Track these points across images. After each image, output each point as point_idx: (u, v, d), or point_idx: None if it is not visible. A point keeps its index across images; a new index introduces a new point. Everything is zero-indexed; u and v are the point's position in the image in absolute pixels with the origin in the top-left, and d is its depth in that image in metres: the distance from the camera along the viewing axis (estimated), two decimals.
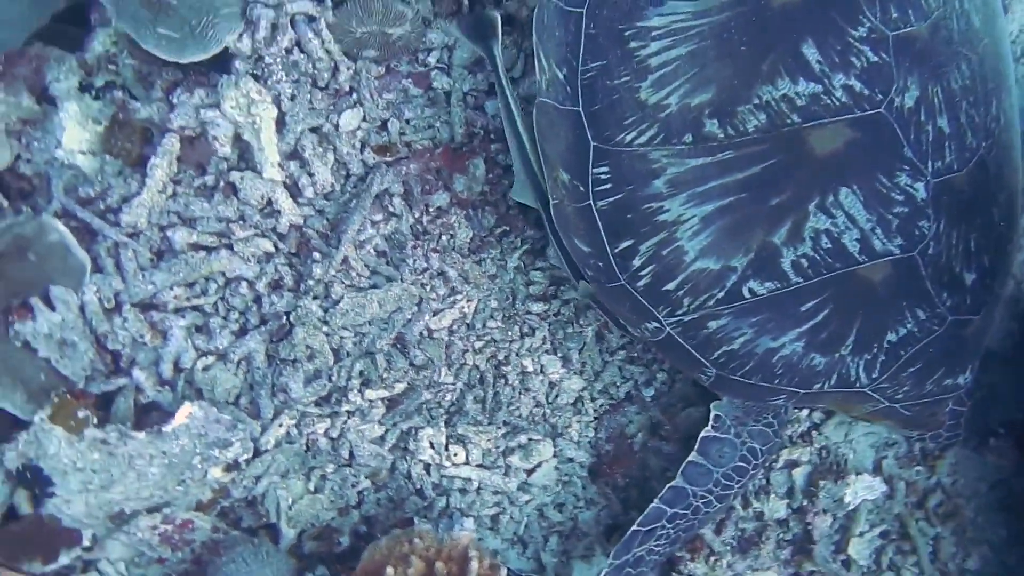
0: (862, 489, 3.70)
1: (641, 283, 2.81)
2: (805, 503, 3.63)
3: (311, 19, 3.02)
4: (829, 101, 2.62)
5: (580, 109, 2.71)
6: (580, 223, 2.82)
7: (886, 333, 2.86)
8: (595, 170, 2.73)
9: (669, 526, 3.17)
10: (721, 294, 2.78)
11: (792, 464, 3.67)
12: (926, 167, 2.71)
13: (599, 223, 2.77)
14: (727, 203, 2.68)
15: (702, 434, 3.20)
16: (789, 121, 2.62)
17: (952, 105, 2.75)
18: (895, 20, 2.64)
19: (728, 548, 3.56)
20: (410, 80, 3.24)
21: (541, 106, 2.82)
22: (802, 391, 2.97)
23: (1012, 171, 3.01)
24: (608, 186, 2.73)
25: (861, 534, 3.69)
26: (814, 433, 3.72)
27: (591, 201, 2.76)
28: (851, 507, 3.67)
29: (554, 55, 2.75)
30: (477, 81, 3.25)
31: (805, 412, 3.72)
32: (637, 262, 2.78)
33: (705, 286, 2.77)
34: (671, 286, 2.79)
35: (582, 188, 2.76)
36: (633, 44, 2.64)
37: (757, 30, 2.60)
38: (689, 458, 3.18)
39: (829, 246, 2.69)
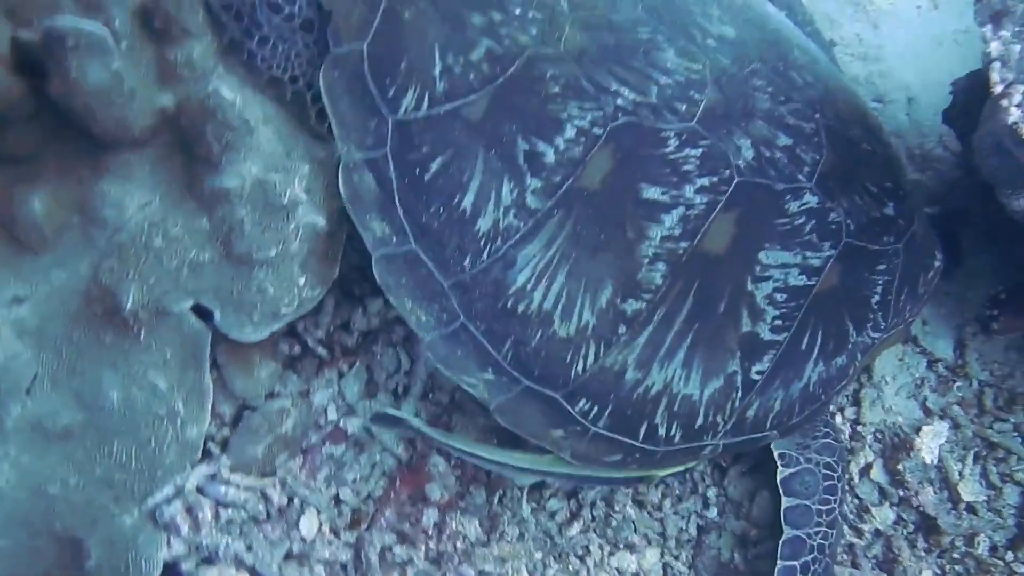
0: (931, 440, 3.71)
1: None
2: (901, 492, 3.62)
3: (213, 476, 2.92)
4: (703, 208, 2.71)
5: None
6: None
7: (865, 291, 3.09)
8: None
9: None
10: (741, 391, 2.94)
11: (866, 469, 3.67)
12: (801, 181, 2.86)
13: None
14: None
15: (779, 478, 3.27)
16: (683, 248, 2.72)
17: (776, 118, 2.88)
18: (689, 110, 2.74)
19: None
20: (328, 443, 3.16)
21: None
22: (839, 385, 3.14)
23: (848, 103, 3.20)
24: None
25: (961, 476, 3.69)
26: (859, 428, 3.73)
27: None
28: (935, 462, 3.68)
29: None
30: (380, 402, 3.20)
31: (839, 418, 3.73)
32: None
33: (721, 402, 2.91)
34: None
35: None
36: None
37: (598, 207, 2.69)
38: (783, 507, 3.25)
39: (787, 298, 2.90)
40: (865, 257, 3.05)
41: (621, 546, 3.44)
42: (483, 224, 2.65)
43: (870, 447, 3.71)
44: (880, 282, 3.11)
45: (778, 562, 3.20)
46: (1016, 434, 3.84)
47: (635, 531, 3.45)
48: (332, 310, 3.12)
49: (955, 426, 3.79)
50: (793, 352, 2.97)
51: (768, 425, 3.05)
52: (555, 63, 2.67)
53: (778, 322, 2.89)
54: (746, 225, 2.79)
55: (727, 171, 2.75)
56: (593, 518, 3.42)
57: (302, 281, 2.71)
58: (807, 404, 3.09)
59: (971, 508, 3.67)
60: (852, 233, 2.98)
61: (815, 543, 3.22)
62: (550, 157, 2.64)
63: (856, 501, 3.64)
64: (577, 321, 2.70)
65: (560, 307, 2.69)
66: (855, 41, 4.67)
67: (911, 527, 3.62)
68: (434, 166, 2.64)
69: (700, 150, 2.72)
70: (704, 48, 2.85)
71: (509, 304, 2.68)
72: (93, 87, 2.34)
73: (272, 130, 2.68)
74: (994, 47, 2.46)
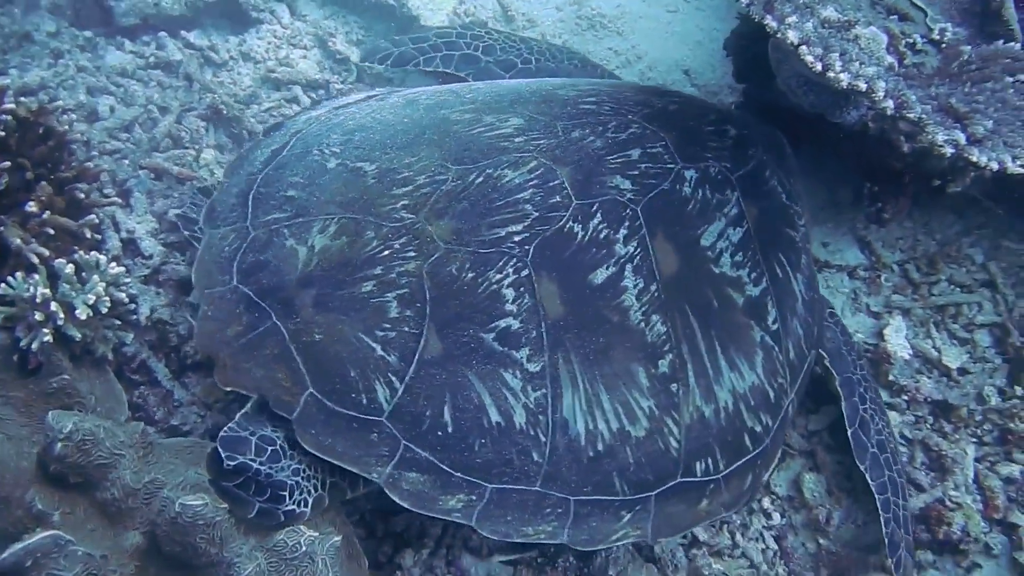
0: (896, 337, 3.92)
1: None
2: (905, 397, 3.79)
3: None
4: (639, 251, 2.87)
5: None
6: None
7: (773, 200, 3.38)
8: None
9: (868, 405, 3.51)
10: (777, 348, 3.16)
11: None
12: (675, 166, 3.08)
13: None
14: None
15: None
16: (653, 289, 2.86)
17: (614, 144, 3.05)
18: (562, 199, 2.84)
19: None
20: None
21: None
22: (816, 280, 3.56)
23: (636, 89, 3.48)
24: None
25: (937, 350, 3.91)
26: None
27: None
28: (911, 353, 3.89)
29: None
30: None
31: None
32: None
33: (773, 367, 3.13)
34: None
35: None
36: None
37: None
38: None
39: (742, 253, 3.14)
40: (752, 179, 3.29)
41: None
42: (519, 420, 2.62)
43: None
44: (772, 186, 3.37)
45: (843, 404, 3.45)
46: (952, 286, 4.12)
47: None
48: None
49: (904, 312, 4.02)
50: (778, 285, 3.20)
51: (807, 354, 3.30)
52: (450, 261, 2.69)
53: (753, 274, 3.09)
54: (673, 233, 2.94)
55: (627, 210, 2.87)
56: None
57: None
58: (816, 312, 3.38)
59: (962, 371, 3.89)
60: (733, 170, 3.21)
61: (859, 376, 3.55)
62: (514, 323, 2.66)
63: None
64: (648, 416, 2.76)
65: (623, 417, 2.73)
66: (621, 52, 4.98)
67: (930, 420, 3.80)
68: (447, 416, 2.59)
69: (599, 216, 2.83)
70: (517, 146, 2.94)
71: (591, 455, 2.68)
72: None
73: None
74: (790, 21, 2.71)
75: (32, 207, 2.78)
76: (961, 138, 2.85)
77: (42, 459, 2.47)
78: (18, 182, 2.85)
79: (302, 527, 2.44)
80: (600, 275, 2.77)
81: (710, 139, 3.25)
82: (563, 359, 2.66)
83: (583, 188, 2.86)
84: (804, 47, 2.76)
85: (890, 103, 2.80)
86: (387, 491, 2.46)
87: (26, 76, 3.48)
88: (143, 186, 3.41)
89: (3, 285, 2.61)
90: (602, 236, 2.82)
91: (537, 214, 2.77)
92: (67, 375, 2.71)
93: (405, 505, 2.48)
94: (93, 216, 2.92)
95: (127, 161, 3.46)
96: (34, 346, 2.62)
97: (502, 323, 2.63)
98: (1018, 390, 3.80)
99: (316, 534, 2.45)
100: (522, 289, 2.67)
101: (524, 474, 2.59)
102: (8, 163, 2.68)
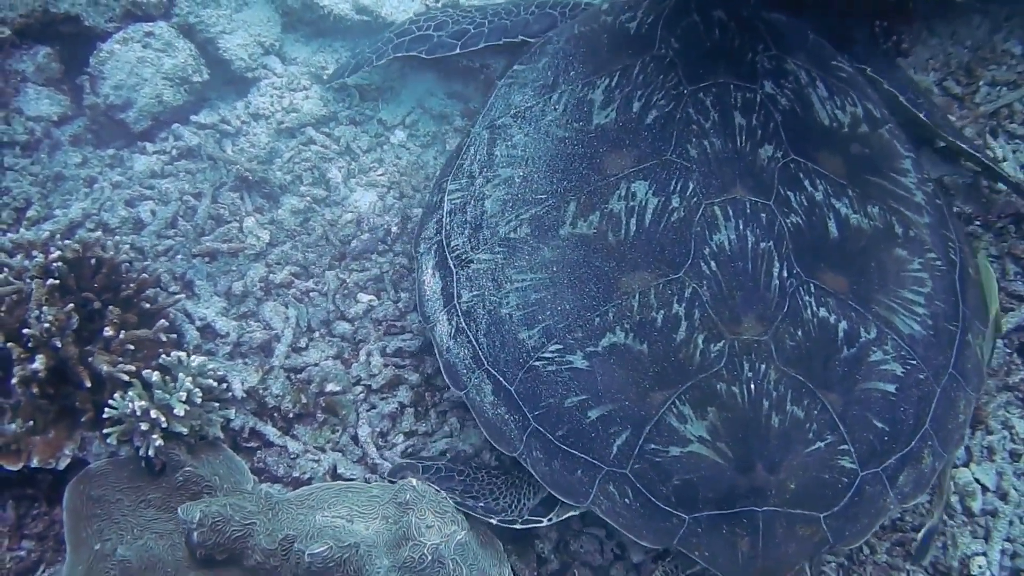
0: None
1: None
2: None
3: None
4: None
5: None
6: None
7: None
8: None
9: None
10: None
11: None
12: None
13: None
14: None
15: None
16: None
17: None
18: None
19: None
20: None
21: None
22: None
23: None
24: None
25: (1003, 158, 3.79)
26: None
27: None
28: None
29: None
30: None
31: None
32: None
33: None
34: None
35: None
36: None
37: None
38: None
39: None
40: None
41: None
42: None
43: None
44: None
45: None
46: (997, 87, 3.96)
47: None
48: None
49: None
50: None
51: None
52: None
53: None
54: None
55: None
56: None
57: None
58: None
59: None
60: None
61: None
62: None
63: None
64: None
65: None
66: None
67: (1014, 236, 3.70)
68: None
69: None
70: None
71: None
72: None
73: None
74: None
75: (109, 332, 3.06)
76: None
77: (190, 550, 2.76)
78: (90, 314, 3.15)
79: (423, 539, 2.65)
80: None
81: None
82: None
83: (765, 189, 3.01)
84: None
85: None
86: None
87: (70, 212, 3.78)
88: (201, 273, 3.67)
89: (107, 408, 2.91)
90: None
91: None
92: (188, 466, 2.99)
93: None
94: (163, 320, 3.19)
95: (180, 256, 3.72)
96: (150, 452, 2.91)
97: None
98: None
99: (438, 540, 2.65)
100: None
101: None
102: (71, 304, 2.95)
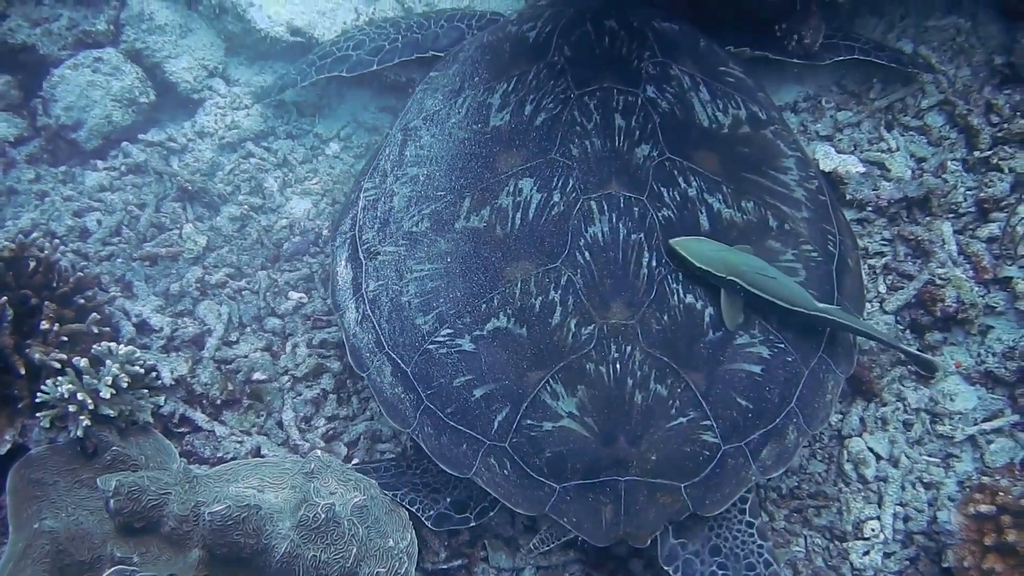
0: (844, 165, 4.05)
1: None
2: (872, 210, 3.92)
3: None
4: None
5: None
6: None
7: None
8: None
9: None
10: None
11: None
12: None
13: None
14: None
15: None
16: None
17: None
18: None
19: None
20: None
21: None
22: None
23: None
24: None
25: (890, 151, 4.03)
26: None
27: None
28: (860, 168, 4.01)
29: None
30: None
31: None
32: None
33: None
34: None
35: None
36: None
37: None
38: None
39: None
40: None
41: None
42: None
43: None
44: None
45: None
46: (890, 84, 4.21)
47: None
48: None
49: (854, 126, 4.15)
50: None
51: None
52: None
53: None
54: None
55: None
56: None
57: None
58: None
59: (919, 160, 4.01)
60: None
61: None
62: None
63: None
64: None
65: None
66: None
67: (905, 220, 3.92)
68: None
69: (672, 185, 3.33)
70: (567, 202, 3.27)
71: None
72: None
73: None
74: None
75: (45, 325, 3.30)
76: None
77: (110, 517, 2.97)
78: (31, 311, 3.39)
79: (319, 498, 2.86)
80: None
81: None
82: None
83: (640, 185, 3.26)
84: None
85: None
86: None
87: (19, 222, 4.05)
88: (140, 275, 3.93)
89: (40, 394, 3.14)
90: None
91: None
92: (116, 446, 3.21)
93: None
94: (95, 314, 3.43)
95: (120, 259, 3.98)
96: (79, 433, 3.13)
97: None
98: (977, 154, 3.89)
99: (332, 501, 2.86)
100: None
101: None
102: (5, 298, 3.20)
